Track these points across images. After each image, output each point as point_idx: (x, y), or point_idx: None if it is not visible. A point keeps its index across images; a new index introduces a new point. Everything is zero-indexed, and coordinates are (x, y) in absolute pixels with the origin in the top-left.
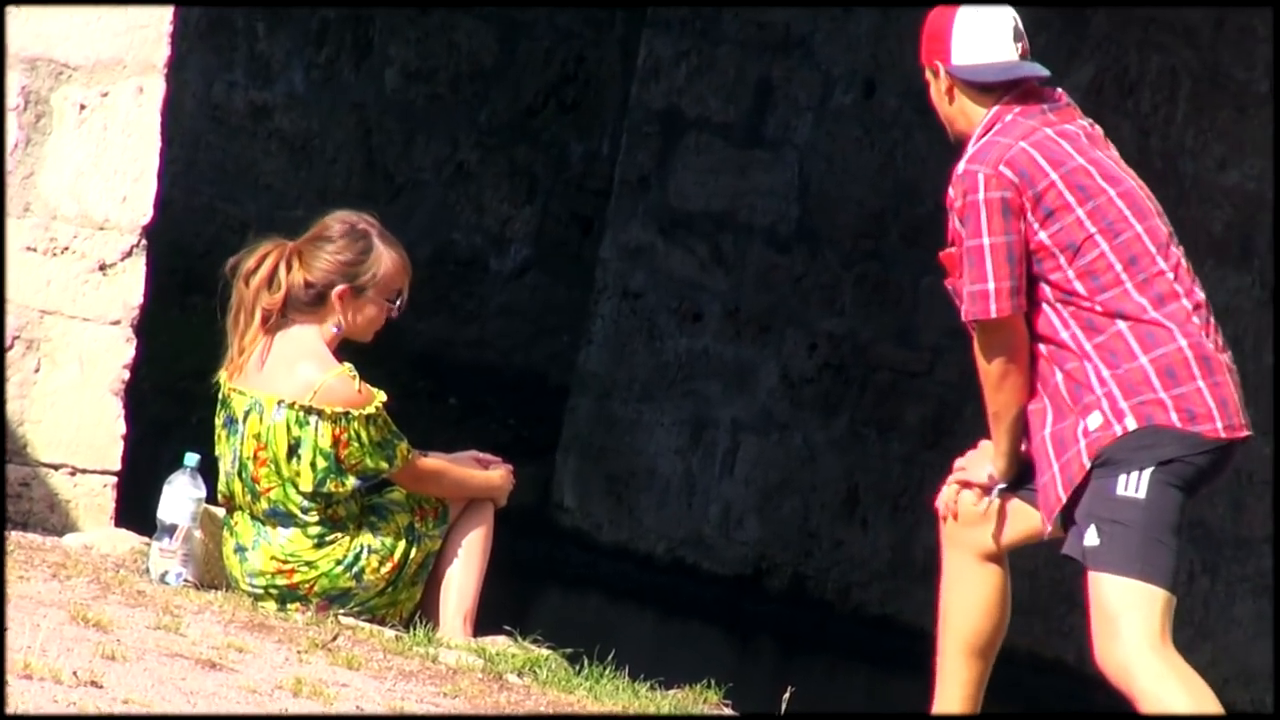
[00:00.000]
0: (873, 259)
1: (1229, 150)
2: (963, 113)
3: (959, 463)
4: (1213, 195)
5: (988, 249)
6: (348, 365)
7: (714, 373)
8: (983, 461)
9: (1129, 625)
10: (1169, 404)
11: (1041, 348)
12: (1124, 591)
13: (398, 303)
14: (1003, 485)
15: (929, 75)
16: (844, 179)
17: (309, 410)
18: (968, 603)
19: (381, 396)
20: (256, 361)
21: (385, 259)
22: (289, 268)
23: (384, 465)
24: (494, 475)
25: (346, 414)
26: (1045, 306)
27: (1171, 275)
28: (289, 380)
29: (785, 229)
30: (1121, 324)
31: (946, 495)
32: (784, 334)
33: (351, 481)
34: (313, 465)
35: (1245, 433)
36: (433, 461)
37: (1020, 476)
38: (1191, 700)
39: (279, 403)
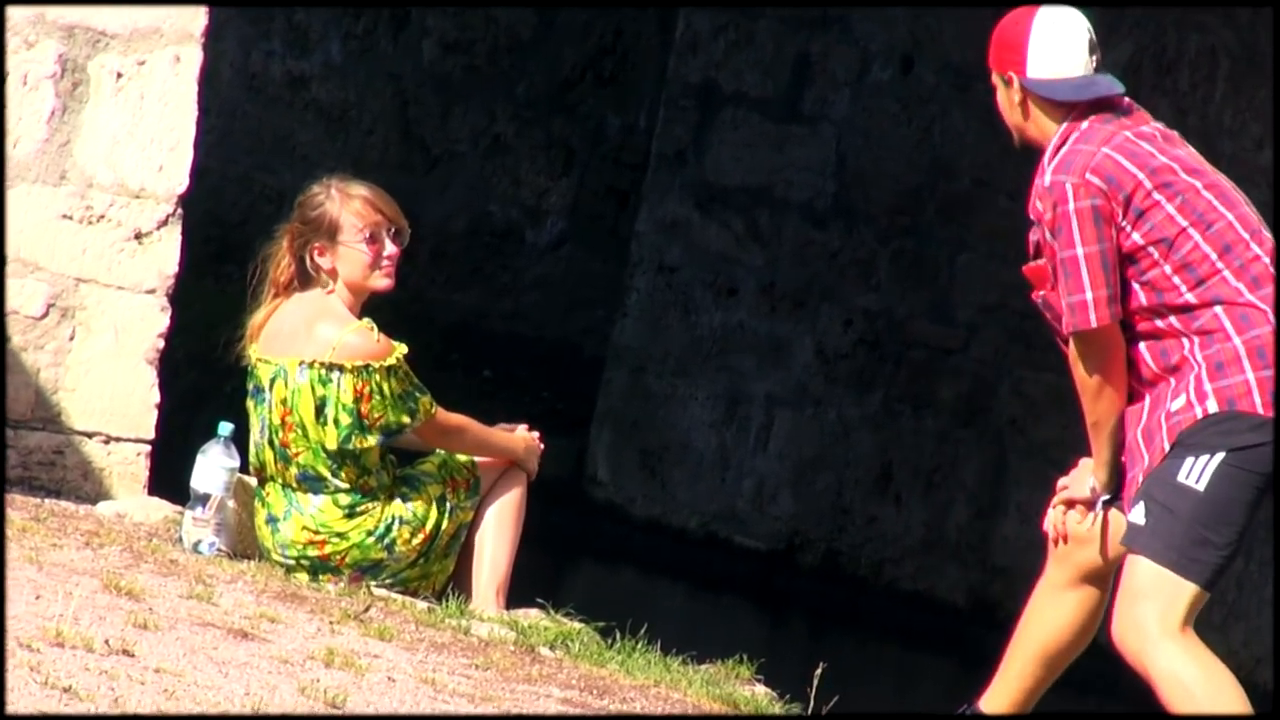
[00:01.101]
0: (909, 235)
1: (1266, 130)
2: (1035, 123)
3: (1061, 482)
4: (1250, 174)
5: (1082, 259)
6: (366, 320)
7: (749, 347)
8: (1084, 477)
9: (1149, 612)
10: (1254, 385)
11: (1143, 347)
12: (1155, 578)
13: (370, 238)
14: (1106, 497)
15: (998, 81)
16: (881, 155)
17: (331, 367)
18: (1055, 618)
19: (402, 349)
20: (276, 327)
21: (339, 203)
22: (289, 248)
23: (405, 419)
24: (518, 437)
25: (367, 367)
26: (1144, 311)
27: (1267, 260)
28: (309, 342)
29: (822, 204)
30: (1219, 308)
31: (1054, 517)
32: (819, 309)
33: (374, 438)
34: (336, 422)
35: None
36: (456, 416)
37: (1120, 486)
38: (1209, 685)
39: (301, 364)
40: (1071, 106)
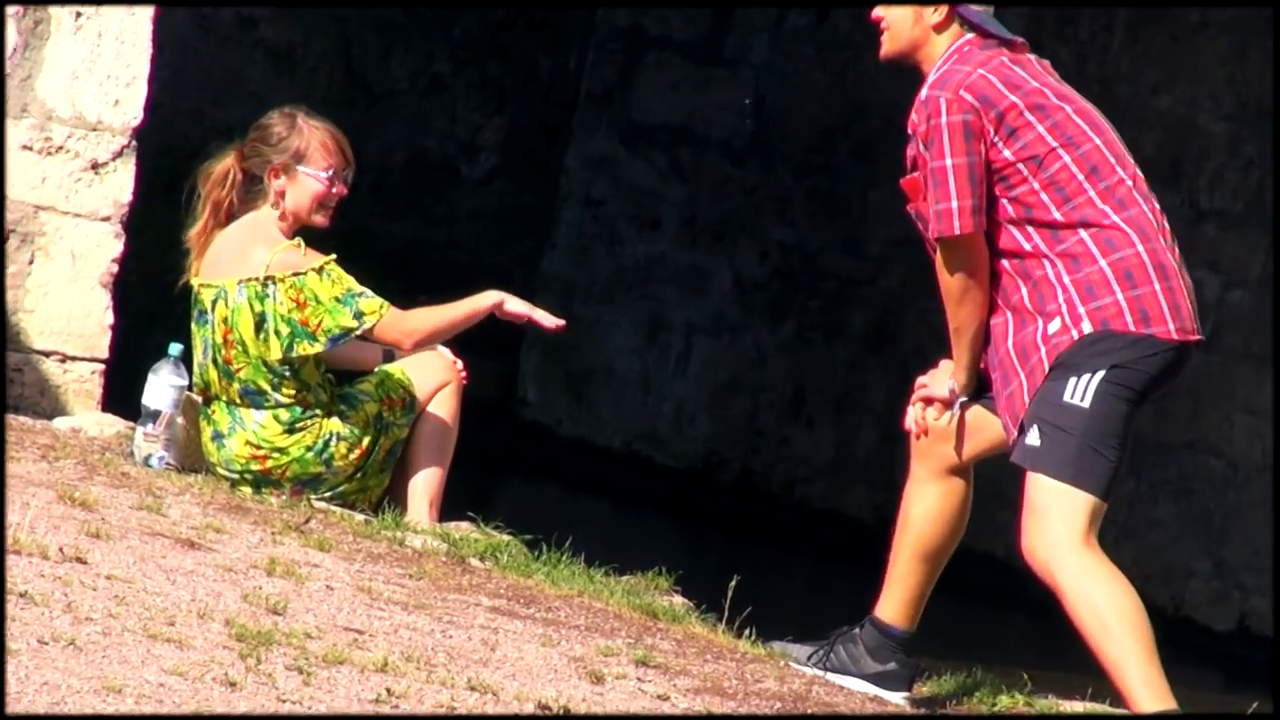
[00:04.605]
0: (822, 173)
1: (1161, 76)
2: (931, 45)
3: (920, 380)
4: (1146, 118)
5: (950, 169)
6: (296, 239)
7: (670, 277)
8: (943, 378)
9: (1054, 525)
10: (1124, 306)
11: (1006, 263)
12: (1055, 493)
13: (331, 174)
14: (963, 399)
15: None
16: (797, 96)
17: (266, 281)
18: (927, 512)
19: (331, 257)
20: (216, 254)
21: (307, 134)
22: (237, 166)
23: (351, 323)
24: (480, 296)
25: (298, 274)
26: (1009, 225)
27: (1130, 183)
28: (245, 263)
29: (740, 143)
30: (1084, 232)
31: (914, 413)
32: (737, 242)
33: (321, 344)
34: (277, 333)
35: (1197, 336)
36: (412, 317)
37: (979, 388)
38: (1111, 596)
39: (239, 283)
40: (951, 26)
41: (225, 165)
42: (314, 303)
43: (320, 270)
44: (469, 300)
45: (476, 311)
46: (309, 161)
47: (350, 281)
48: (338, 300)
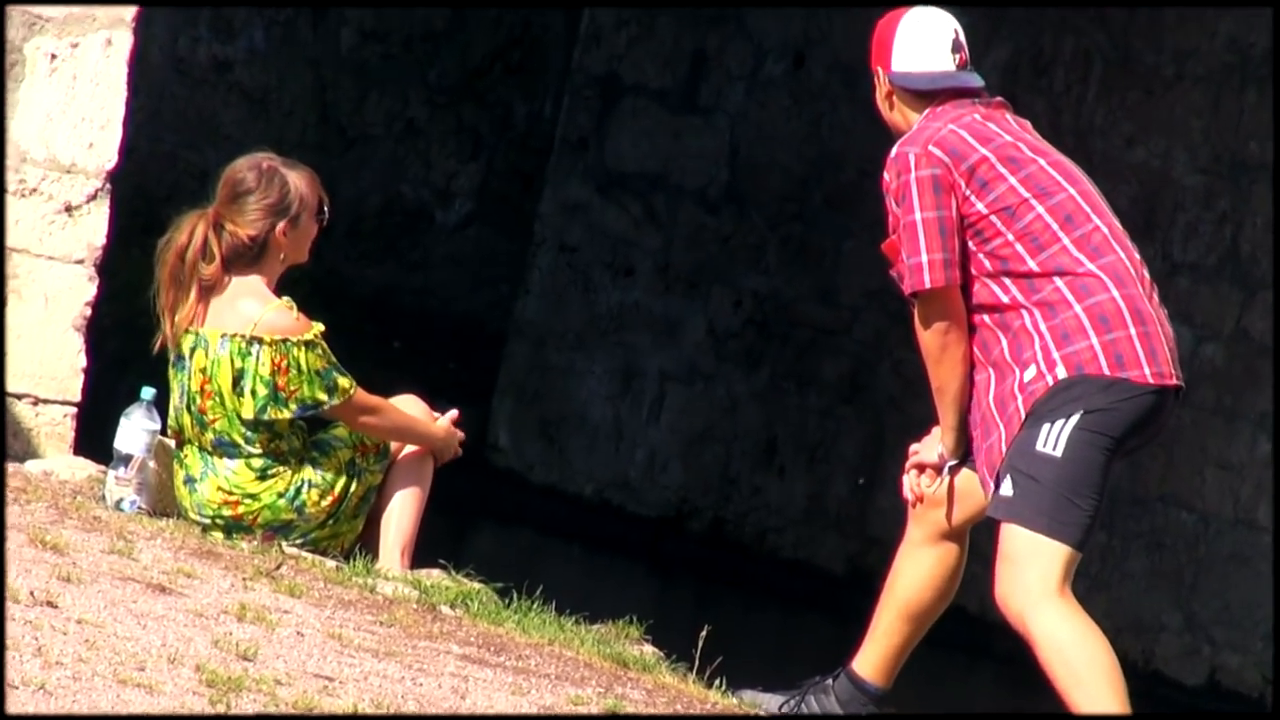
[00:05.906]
0: (797, 221)
1: (1136, 129)
2: (902, 115)
3: (913, 448)
4: (1120, 171)
5: (920, 224)
6: (286, 298)
7: (644, 325)
8: (933, 444)
9: (1029, 574)
10: (1099, 349)
11: (985, 317)
12: (1029, 542)
13: (327, 216)
14: (953, 463)
15: (875, 79)
16: (772, 145)
17: (251, 340)
18: (917, 575)
19: (319, 326)
20: (201, 310)
21: (301, 183)
22: (219, 233)
23: (322, 396)
24: (437, 426)
25: (285, 341)
26: (986, 278)
27: (1106, 230)
28: (232, 317)
29: (715, 191)
30: (1059, 280)
31: (909, 482)
32: (711, 290)
33: (290, 411)
34: (253, 393)
35: (1175, 381)
36: (376, 399)
37: (968, 451)
38: (1084, 647)
39: (223, 336)
40: (931, 98)
41: (200, 238)
42: (294, 370)
43: (309, 344)
44: (427, 423)
45: (428, 437)
46: (309, 212)
47: (332, 357)
48: (317, 373)
